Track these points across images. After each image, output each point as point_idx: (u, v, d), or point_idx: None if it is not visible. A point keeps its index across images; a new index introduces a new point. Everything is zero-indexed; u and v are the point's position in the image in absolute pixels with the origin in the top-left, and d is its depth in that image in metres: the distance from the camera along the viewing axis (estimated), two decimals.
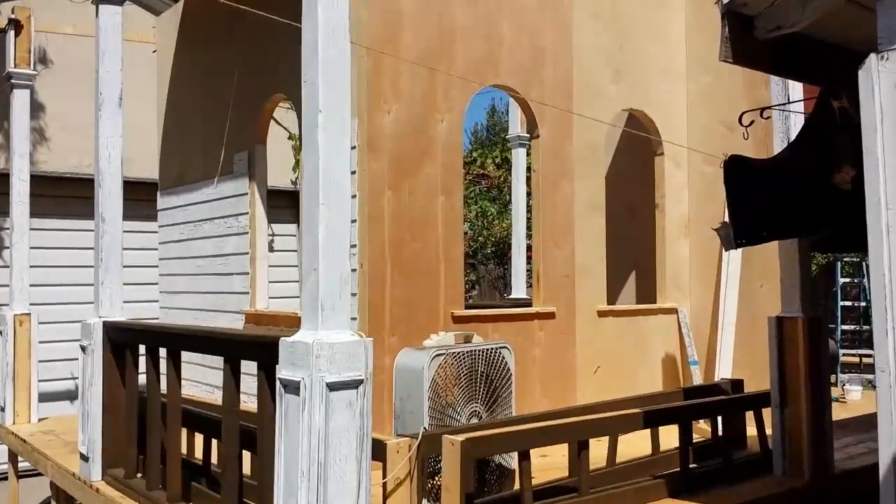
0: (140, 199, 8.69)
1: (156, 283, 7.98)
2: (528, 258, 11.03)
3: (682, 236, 7.42)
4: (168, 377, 4.16)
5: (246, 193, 6.54)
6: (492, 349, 4.33)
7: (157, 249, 8.01)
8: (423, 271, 5.62)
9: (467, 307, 8.70)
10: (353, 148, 5.47)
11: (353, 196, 5.46)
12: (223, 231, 6.74)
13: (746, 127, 4.20)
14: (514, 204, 10.21)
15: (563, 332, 6.42)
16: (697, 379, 7.15)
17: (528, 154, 10.26)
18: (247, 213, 6.47)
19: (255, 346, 3.38)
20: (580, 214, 6.63)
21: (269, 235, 7.04)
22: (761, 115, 4.36)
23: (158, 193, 8.14)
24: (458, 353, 4.16)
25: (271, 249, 7.50)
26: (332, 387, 2.87)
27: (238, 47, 7.03)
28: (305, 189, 3.13)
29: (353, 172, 5.46)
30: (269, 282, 6.57)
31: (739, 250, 6.96)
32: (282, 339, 3.03)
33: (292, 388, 2.92)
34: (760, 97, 7.03)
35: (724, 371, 6.80)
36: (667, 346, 7.21)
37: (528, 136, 10.17)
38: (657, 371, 7.11)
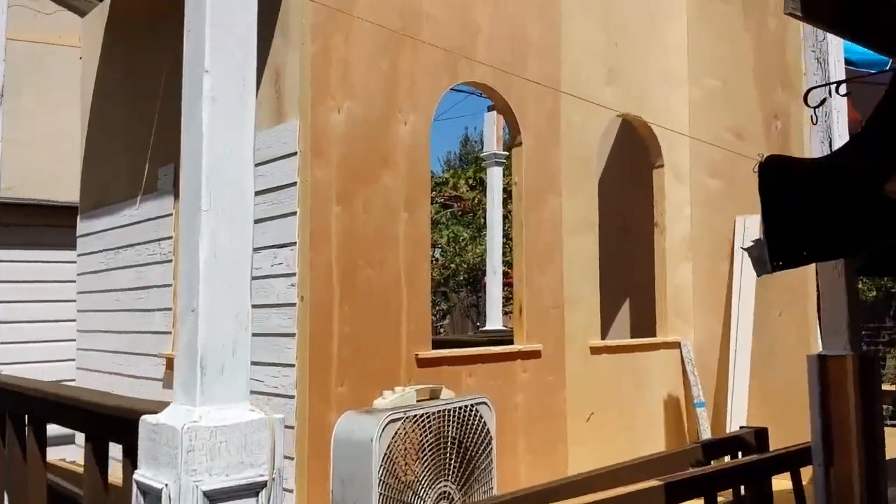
0: (71, 225, 7.56)
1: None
2: (505, 285, 10.07)
3: (685, 259, 6.46)
4: (28, 451, 3.05)
5: (170, 214, 5.45)
6: (466, 407, 3.31)
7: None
8: (380, 303, 4.58)
9: (437, 343, 7.63)
10: (294, 154, 4.44)
11: (293, 213, 4.42)
12: (144, 259, 5.64)
13: (815, 108, 3.24)
14: (490, 226, 9.23)
15: (550, 374, 5.40)
16: (704, 423, 6.15)
17: (504, 174, 9.35)
18: (171, 238, 5.38)
19: (113, 422, 2.31)
20: (569, 234, 5.64)
21: None
22: (836, 91, 3.40)
23: (79, 217, 7.02)
24: (422, 415, 3.12)
25: None
26: (214, 497, 1.81)
27: (165, 48, 5.99)
28: (183, 189, 2.09)
29: (294, 184, 4.42)
30: None
31: (753, 274, 6.02)
32: (143, 418, 1.97)
33: (153, 498, 1.85)
34: (777, 102, 6.16)
35: (738, 415, 5.81)
36: (669, 385, 6.22)
37: (504, 153, 9.26)
38: (658, 415, 6.10)
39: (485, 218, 9.55)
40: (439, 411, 3.18)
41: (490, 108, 9.09)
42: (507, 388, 5.14)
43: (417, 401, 3.31)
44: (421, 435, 3.08)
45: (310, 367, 4.28)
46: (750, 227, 6.11)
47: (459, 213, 14.81)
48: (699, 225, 6.45)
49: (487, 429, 3.39)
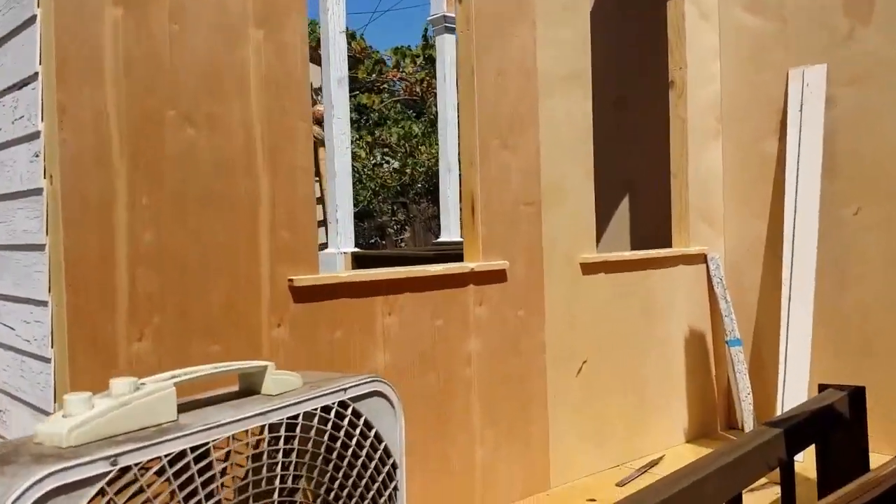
0: None
1: None
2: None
3: (713, 134, 4.48)
4: None
5: None
6: (327, 412, 1.33)
7: None
8: (217, 190, 2.55)
9: (359, 260, 5.70)
10: None
11: (32, 19, 2.34)
12: None
13: None
14: (441, 110, 7.14)
15: (521, 306, 3.46)
16: (741, 368, 4.30)
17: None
18: None
19: None
20: (549, 90, 3.61)
21: None
22: None
23: None
24: (179, 458, 1.12)
25: None
26: None
27: None
28: None
29: None
30: None
31: (817, 152, 4.06)
32: None
33: None
34: None
35: (797, 362, 3.93)
36: (690, 315, 4.32)
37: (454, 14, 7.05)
38: (676, 360, 4.22)
39: (437, 106, 7.49)
40: (234, 437, 1.22)
41: None
42: (453, 330, 3.19)
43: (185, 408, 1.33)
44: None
45: (68, 306, 2.27)
46: (812, 84, 4.12)
47: (407, 100, 12.53)
48: (734, 83, 4.44)
49: (382, 451, 1.45)
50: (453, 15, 6.73)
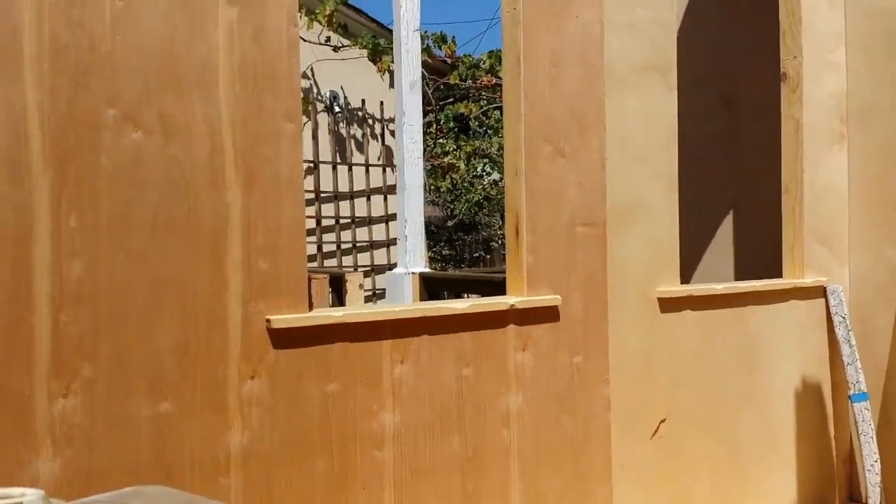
0: None
1: None
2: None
3: (836, 139, 3.65)
4: None
5: None
6: None
7: None
8: (173, 205, 2.05)
9: (429, 279, 5.36)
10: None
11: None
12: None
13: None
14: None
15: (577, 351, 2.79)
16: (867, 428, 3.46)
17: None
18: None
19: None
20: (619, 84, 2.94)
21: None
22: None
23: None
24: None
25: None
26: None
27: None
28: None
29: None
30: None
31: None
32: None
33: None
34: None
35: None
36: (803, 362, 3.51)
37: None
38: (783, 419, 3.42)
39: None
40: None
41: None
42: (486, 382, 2.57)
43: None
44: None
45: None
46: None
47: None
48: (864, 76, 3.60)
49: None
50: None
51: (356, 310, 2.49)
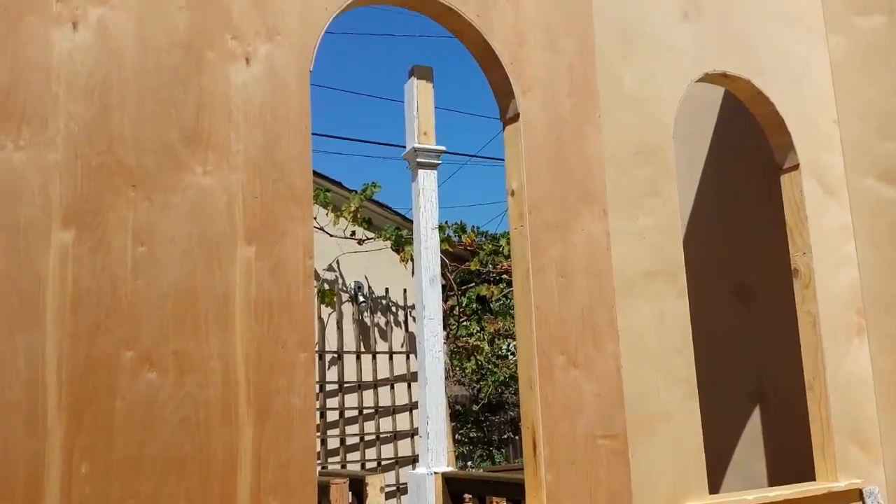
0: None
1: None
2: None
3: (856, 332, 3.61)
4: None
5: None
6: None
7: None
8: (197, 447, 2.04)
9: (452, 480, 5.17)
10: None
11: None
12: None
13: None
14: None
15: None
16: None
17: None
18: None
19: None
20: (630, 290, 2.97)
21: None
22: None
23: None
24: None
25: None
26: None
27: None
28: None
29: None
30: None
31: None
32: None
33: None
34: None
35: None
36: None
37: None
38: None
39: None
40: None
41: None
42: None
43: None
44: None
45: None
46: None
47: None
48: (876, 268, 3.62)
49: None
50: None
51: None
